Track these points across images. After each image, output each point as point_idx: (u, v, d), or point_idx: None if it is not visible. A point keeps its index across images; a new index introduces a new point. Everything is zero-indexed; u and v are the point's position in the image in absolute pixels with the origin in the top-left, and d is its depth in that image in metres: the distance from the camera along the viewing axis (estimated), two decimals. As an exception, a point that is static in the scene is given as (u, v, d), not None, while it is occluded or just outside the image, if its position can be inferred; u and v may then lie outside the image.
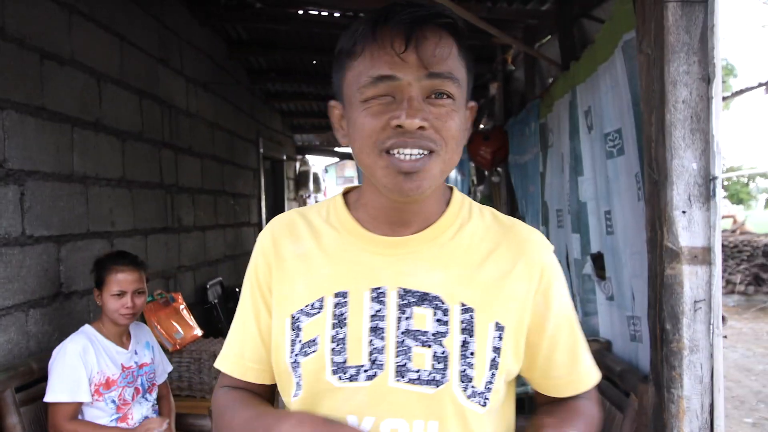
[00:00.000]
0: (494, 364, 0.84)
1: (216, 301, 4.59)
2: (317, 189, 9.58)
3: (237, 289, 4.89)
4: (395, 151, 0.77)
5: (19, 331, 2.27)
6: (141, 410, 2.26)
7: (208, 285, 4.52)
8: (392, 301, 0.83)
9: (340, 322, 0.83)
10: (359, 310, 0.83)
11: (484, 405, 0.84)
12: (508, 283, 0.86)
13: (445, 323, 0.83)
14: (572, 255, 2.99)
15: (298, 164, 8.77)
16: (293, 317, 0.86)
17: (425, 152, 0.78)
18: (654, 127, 1.68)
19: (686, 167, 1.62)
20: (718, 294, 1.63)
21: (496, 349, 0.84)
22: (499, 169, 5.01)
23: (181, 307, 3.82)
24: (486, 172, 5.66)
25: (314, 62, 5.65)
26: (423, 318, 0.83)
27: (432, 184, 0.81)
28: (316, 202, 10.82)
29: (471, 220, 0.90)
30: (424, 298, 0.84)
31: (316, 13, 4.27)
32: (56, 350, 2.10)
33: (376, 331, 0.83)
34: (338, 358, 0.82)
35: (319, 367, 0.83)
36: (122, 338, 2.26)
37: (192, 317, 3.85)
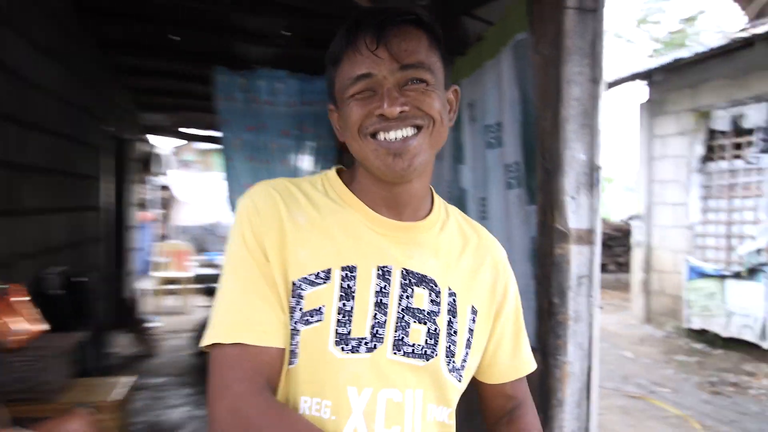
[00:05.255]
0: (468, 344, 0.94)
1: (58, 291, 4.13)
2: (161, 171, 9.01)
3: (82, 279, 4.44)
4: (381, 136, 0.85)
5: None
6: None
7: (48, 274, 4.05)
8: (396, 279, 0.89)
9: (347, 294, 0.86)
10: (366, 285, 0.87)
11: (460, 381, 0.93)
12: (480, 274, 0.98)
13: (438, 303, 0.91)
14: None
15: (143, 145, 8.15)
16: (294, 284, 0.85)
17: (412, 131, 0.86)
18: (549, 122, 1.86)
19: (576, 158, 1.82)
20: (597, 270, 1.86)
21: (471, 330, 0.95)
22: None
23: (19, 299, 3.39)
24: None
25: (170, 37, 5.26)
26: (421, 297, 0.90)
27: (422, 161, 0.87)
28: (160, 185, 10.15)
29: (450, 217, 1.01)
30: (422, 280, 0.91)
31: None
32: None
33: (380, 306, 0.87)
34: (342, 330, 0.84)
35: (322, 337, 0.84)
36: None
37: (32, 310, 3.43)
